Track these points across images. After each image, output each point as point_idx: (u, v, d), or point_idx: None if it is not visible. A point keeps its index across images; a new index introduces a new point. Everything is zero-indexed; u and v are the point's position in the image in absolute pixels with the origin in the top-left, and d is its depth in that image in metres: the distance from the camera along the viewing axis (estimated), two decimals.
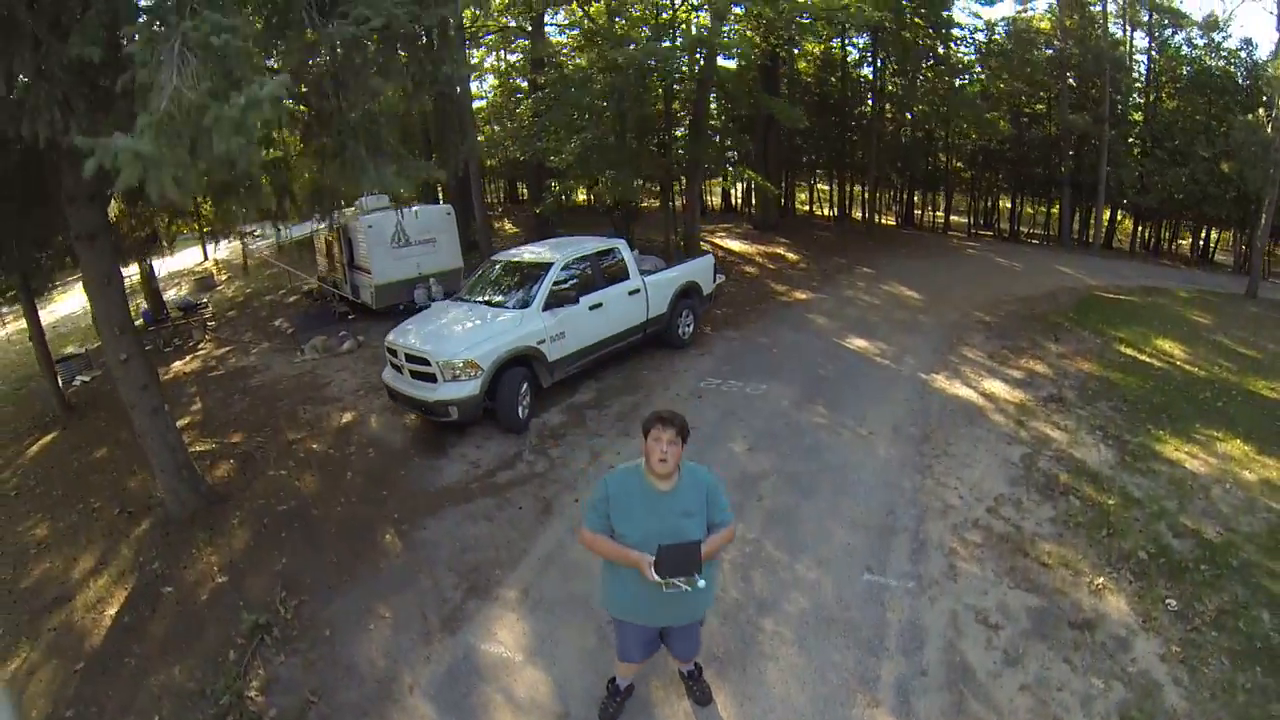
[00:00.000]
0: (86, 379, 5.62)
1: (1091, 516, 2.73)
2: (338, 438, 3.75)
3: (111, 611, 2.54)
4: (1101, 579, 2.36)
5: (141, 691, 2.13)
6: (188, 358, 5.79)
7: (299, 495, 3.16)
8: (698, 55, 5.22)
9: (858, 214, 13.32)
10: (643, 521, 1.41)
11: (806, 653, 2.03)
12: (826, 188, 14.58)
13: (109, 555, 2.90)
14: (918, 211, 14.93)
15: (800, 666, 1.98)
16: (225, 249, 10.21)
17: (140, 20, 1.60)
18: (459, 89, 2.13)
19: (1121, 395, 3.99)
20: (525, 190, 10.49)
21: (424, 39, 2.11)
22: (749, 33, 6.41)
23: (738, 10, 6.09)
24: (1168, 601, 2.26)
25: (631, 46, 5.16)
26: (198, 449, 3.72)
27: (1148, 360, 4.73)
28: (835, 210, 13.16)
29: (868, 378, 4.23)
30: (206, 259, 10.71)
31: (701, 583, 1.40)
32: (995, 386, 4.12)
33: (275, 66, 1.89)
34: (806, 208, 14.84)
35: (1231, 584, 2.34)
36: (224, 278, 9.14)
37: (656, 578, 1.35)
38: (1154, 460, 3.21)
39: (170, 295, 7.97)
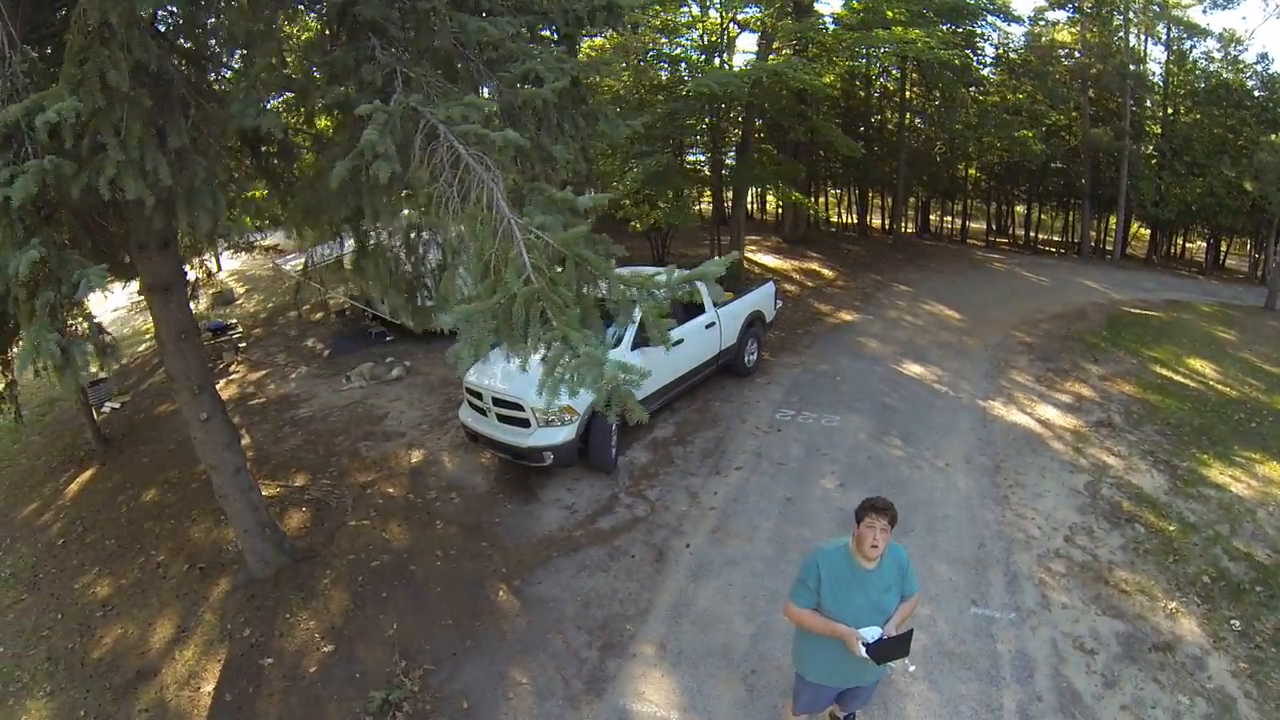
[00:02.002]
0: (116, 405, 5.29)
1: (1157, 543, 2.94)
2: (413, 480, 3.60)
3: (208, 688, 2.37)
4: (1174, 603, 2.58)
5: None
6: (221, 382, 5.34)
7: (390, 549, 3.04)
8: (766, 81, 5.11)
9: (876, 222, 13.42)
10: (850, 599, 1.57)
11: (936, 687, 2.18)
12: (840, 191, 14.61)
13: (189, 620, 2.72)
14: (934, 217, 15.01)
15: (934, 701, 2.14)
16: (239, 260, 9.74)
17: (335, 92, 1.25)
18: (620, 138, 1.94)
19: (1164, 419, 4.20)
20: None
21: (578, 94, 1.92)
22: (812, 53, 6.30)
23: (809, 34, 5.95)
24: (1232, 622, 2.48)
25: (709, 76, 4.97)
26: (264, 494, 3.51)
27: (1182, 381, 4.95)
28: (856, 218, 13.16)
29: (931, 406, 4.36)
30: (220, 270, 10.19)
31: (911, 667, 1.60)
32: (1048, 412, 4.29)
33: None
34: (824, 213, 14.92)
35: None
36: (243, 291, 8.71)
37: (866, 656, 1.50)
38: (1202, 485, 3.41)
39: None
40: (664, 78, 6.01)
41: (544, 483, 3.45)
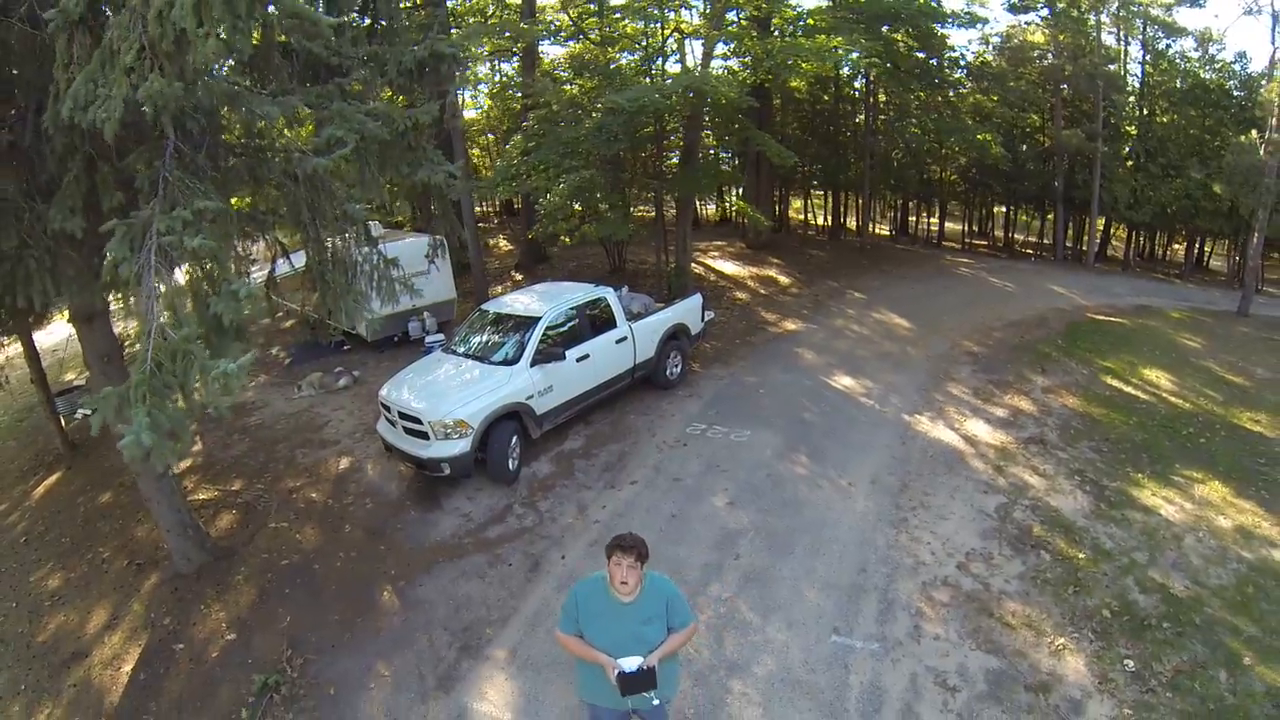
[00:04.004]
0: (88, 412, 5.63)
1: (1060, 572, 2.77)
2: (336, 486, 3.85)
3: (127, 669, 2.68)
4: (1063, 639, 2.43)
5: None
6: None
7: (300, 549, 3.29)
8: (688, 94, 5.24)
9: (852, 223, 13.27)
10: (608, 629, 1.60)
11: (770, 715, 2.16)
12: (820, 195, 14.58)
13: (121, 610, 3.03)
14: (912, 219, 14.96)
15: None
16: None
17: (120, 197, 1.66)
18: (440, 186, 2.27)
19: (1104, 434, 4.01)
20: (519, 202, 10.51)
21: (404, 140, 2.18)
22: (737, 67, 6.40)
23: (724, 48, 6.12)
24: (1126, 662, 2.31)
25: (621, 93, 5.10)
26: (201, 497, 3.80)
27: (1133, 393, 4.75)
28: (829, 220, 13.15)
29: (852, 422, 4.29)
30: None
31: (655, 701, 1.60)
32: (977, 428, 4.17)
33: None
34: (801, 216, 14.82)
35: (1193, 642, 2.40)
36: None
37: (614, 684, 1.55)
38: (1129, 507, 3.24)
39: None
40: (582, 88, 6.12)
41: (449, 492, 3.60)
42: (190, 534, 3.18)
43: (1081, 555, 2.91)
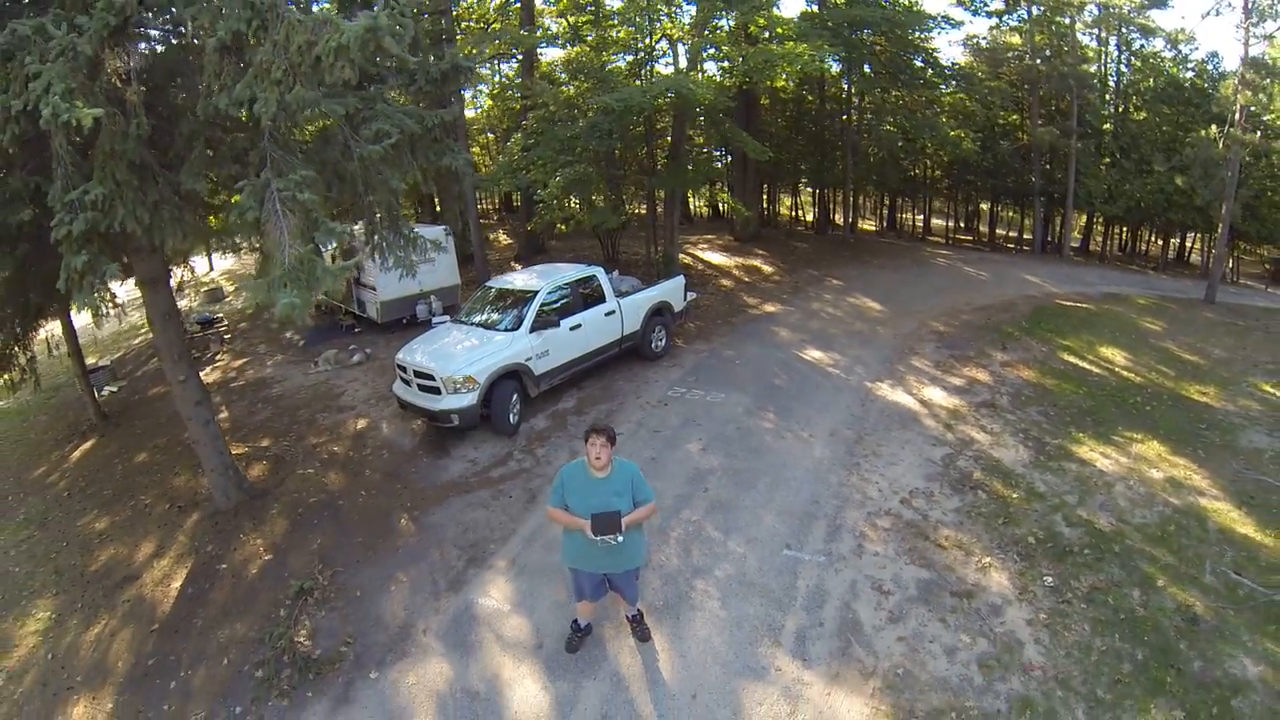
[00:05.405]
0: (114, 389, 6.04)
1: (993, 508, 3.09)
2: (355, 441, 4.30)
3: (176, 585, 3.08)
4: (989, 559, 2.75)
5: (210, 643, 2.71)
6: (207, 369, 6.04)
7: (326, 490, 3.73)
8: (671, 95, 5.76)
9: (840, 218, 13.88)
10: (586, 499, 2.06)
11: (727, 607, 2.57)
12: (810, 193, 15.14)
13: (167, 542, 3.41)
14: (901, 215, 15.53)
15: (721, 617, 2.52)
16: (230, 259, 10.68)
17: (235, 168, 2.33)
18: (459, 171, 2.94)
19: (1053, 401, 4.29)
20: (518, 199, 11.02)
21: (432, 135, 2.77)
22: (722, 68, 6.92)
23: (706, 53, 6.68)
24: (1045, 579, 2.59)
25: (611, 94, 5.54)
26: (234, 452, 4.16)
27: (1088, 367, 5.04)
28: (817, 215, 13.65)
29: (818, 387, 4.68)
30: (213, 269, 11.16)
31: (620, 539, 2.04)
32: (934, 394, 4.52)
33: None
34: (792, 212, 15.39)
35: (1110, 566, 2.67)
36: (232, 289, 9.56)
37: (591, 535, 2.01)
38: (1067, 460, 3.53)
39: (181, 305, 8.41)
40: (578, 89, 6.66)
41: (457, 443, 4.05)
42: (230, 474, 3.63)
43: (1015, 495, 3.24)
